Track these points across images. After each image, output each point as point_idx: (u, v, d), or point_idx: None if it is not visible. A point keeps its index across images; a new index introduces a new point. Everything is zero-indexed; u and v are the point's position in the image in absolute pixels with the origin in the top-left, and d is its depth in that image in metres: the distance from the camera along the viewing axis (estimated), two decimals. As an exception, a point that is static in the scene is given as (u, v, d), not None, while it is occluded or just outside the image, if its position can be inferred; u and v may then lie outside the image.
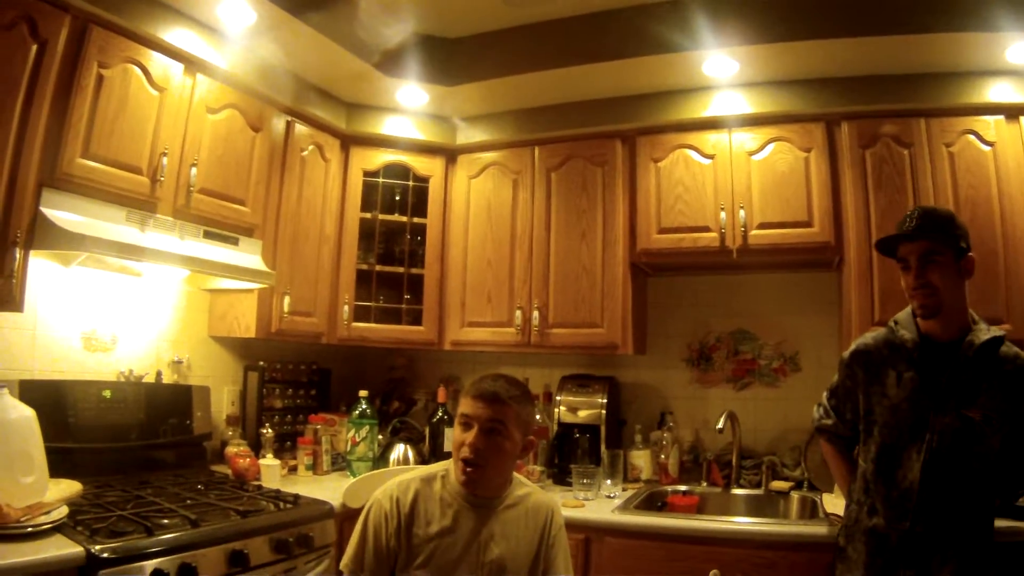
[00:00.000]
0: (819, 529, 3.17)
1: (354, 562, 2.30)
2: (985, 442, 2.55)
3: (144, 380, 3.71)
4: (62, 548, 2.37)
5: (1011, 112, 3.68)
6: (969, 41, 3.49)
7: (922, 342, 2.68)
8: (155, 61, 3.34)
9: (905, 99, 3.81)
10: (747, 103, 4.10)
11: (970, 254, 2.65)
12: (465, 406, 2.36)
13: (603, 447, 4.25)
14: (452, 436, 2.43)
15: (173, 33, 3.40)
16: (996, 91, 3.71)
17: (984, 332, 2.62)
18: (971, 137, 3.69)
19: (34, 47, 2.86)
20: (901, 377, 2.68)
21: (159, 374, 3.83)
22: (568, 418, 4.43)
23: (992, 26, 3.38)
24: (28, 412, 2.63)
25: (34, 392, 3.04)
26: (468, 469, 2.31)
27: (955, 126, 3.72)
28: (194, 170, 3.51)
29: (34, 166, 2.85)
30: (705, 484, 4.22)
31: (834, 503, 3.40)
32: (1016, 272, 3.55)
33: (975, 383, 2.58)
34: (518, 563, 2.38)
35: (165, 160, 3.35)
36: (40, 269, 3.26)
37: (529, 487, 2.55)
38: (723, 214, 4.05)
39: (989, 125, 3.68)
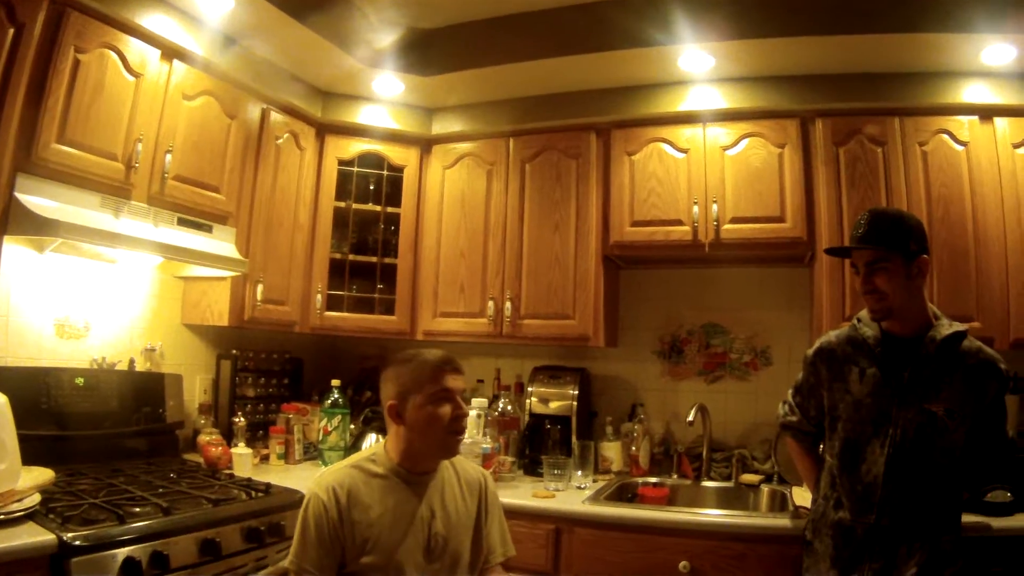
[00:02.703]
0: (788, 522, 3.20)
1: (299, 558, 2.27)
2: (948, 436, 2.58)
3: (117, 368, 3.70)
4: (34, 535, 2.37)
5: (985, 113, 3.72)
6: (945, 42, 3.53)
7: (884, 338, 2.72)
8: (132, 47, 3.32)
9: (880, 98, 3.85)
10: (722, 98, 4.12)
11: (923, 256, 2.67)
12: (445, 380, 2.39)
13: (574, 438, 4.26)
14: (429, 414, 2.38)
15: (150, 19, 3.38)
16: (971, 92, 3.76)
17: (946, 327, 2.66)
18: (945, 137, 3.73)
19: (11, 31, 2.83)
20: (864, 373, 2.72)
21: (132, 362, 3.81)
22: (539, 409, 4.44)
23: (968, 27, 3.42)
24: (1, 399, 2.61)
25: (6, 379, 3.02)
26: (460, 437, 2.42)
27: (929, 125, 3.76)
28: (169, 157, 3.49)
29: (9, 151, 2.83)
30: (675, 476, 4.25)
31: (803, 496, 3.42)
32: (987, 271, 3.60)
33: (937, 378, 2.62)
34: (460, 534, 2.43)
35: (140, 146, 3.33)
36: (14, 255, 3.25)
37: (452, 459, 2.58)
38: (696, 208, 4.07)
39: (963, 125, 3.73)
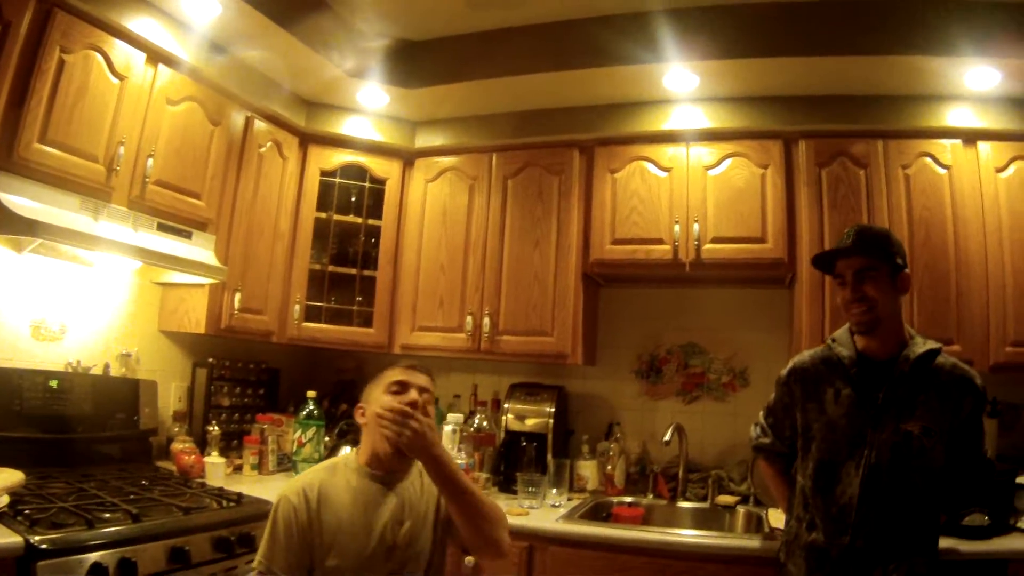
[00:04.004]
0: (763, 544, 3.19)
1: (267, 560, 2.26)
2: (926, 455, 2.58)
3: (92, 372, 3.66)
4: (1, 537, 2.33)
5: (968, 137, 3.77)
6: (929, 65, 3.57)
7: (859, 359, 2.72)
8: (117, 49, 3.30)
9: (863, 120, 3.89)
10: (706, 118, 4.15)
11: (905, 271, 2.69)
12: (397, 374, 2.45)
13: (550, 456, 4.25)
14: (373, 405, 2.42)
15: (137, 22, 3.37)
16: (955, 115, 3.81)
17: (920, 346, 2.66)
18: (928, 160, 3.78)
19: (-3, 29, 2.82)
20: (839, 394, 2.71)
21: (107, 366, 3.77)
22: (516, 426, 4.42)
23: (953, 51, 3.46)
24: (-27, 399, 2.58)
25: (-21, 378, 2.99)
26: (402, 426, 2.29)
27: (912, 148, 3.80)
28: (151, 161, 3.47)
29: (-10, 150, 2.81)
30: (651, 496, 4.23)
31: (779, 518, 3.40)
32: (967, 293, 3.63)
33: (912, 396, 2.61)
34: (425, 534, 2.42)
35: (122, 150, 3.31)
36: (-9, 255, 3.22)
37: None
38: (677, 227, 4.08)
39: (946, 149, 3.77)
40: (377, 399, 2.42)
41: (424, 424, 2.25)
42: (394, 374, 2.46)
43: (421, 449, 2.25)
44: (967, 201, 3.71)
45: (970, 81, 3.65)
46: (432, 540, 2.43)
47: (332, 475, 2.42)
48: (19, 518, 2.51)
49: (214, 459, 3.82)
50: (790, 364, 2.94)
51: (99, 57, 3.23)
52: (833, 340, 2.84)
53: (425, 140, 4.78)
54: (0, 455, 2.74)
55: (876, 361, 2.69)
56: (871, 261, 2.65)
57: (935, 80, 3.69)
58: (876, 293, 2.64)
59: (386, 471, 2.42)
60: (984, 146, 3.75)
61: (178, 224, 3.66)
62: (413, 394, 2.38)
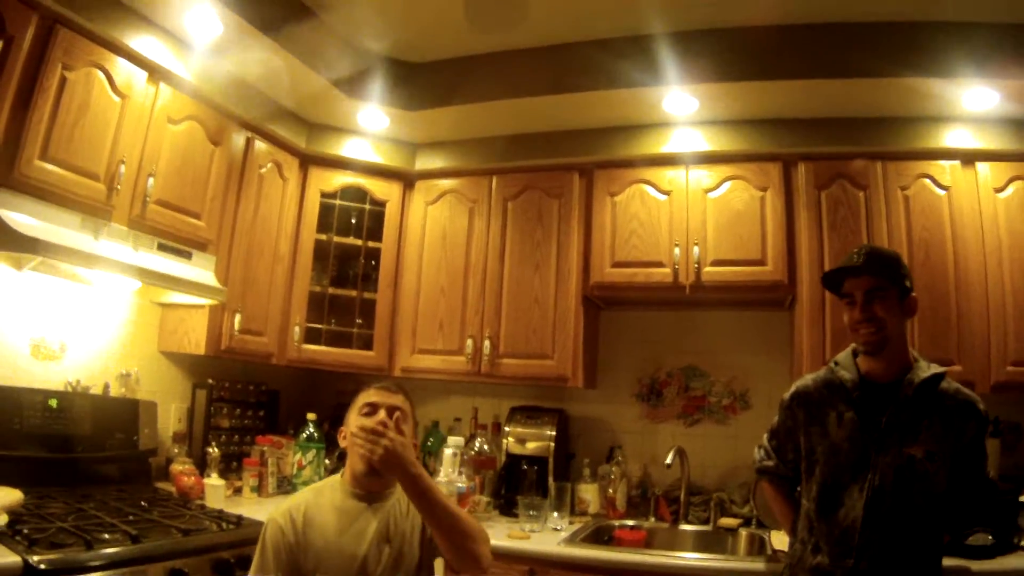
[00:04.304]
0: (768, 566, 3.17)
1: None
2: (929, 479, 2.56)
3: (91, 391, 3.64)
4: (-1, 556, 2.31)
5: (967, 158, 3.78)
6: (927, 86, 3.59)
7: (862, 382, 2.70)
8: (119, 67, 3.31)
9: (862, 142, 3.91)
10: (705, 140, 4.17)
11: (913, 295, 2.68)
12: (368, 396, 2.50)
13: (551, 479, 4.23)
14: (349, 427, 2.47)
15: (139, 40, 3.38)
16: (953, 136, 3.82)
17: (924, 370, 2.64)
18: (927, 181, 3.79)
19: None
20: (842, 417, 2.69)
21: (107, 386, 3.75)
22: (516, 449, 4.40)
23: (950, 72, 3.48)
24: (-28, 417, 2.57)
25: (-22, 397, 2.97)
26: (372, 446, 2.29)
27: (911, 170, 3.82)
28: (151, 180, 3.47)
29: (-9, 166, 2.81)
30: (653, 519, 4.21)
31: (782, 540, 3.38)
32: (967, 315, 3.63)
33: (916, 420, 2.59)
34: (411, 553, 2.42)
35: (123, 168, 3.31)
36: (-9, 272, 3.21)
37: None
38: (677, 250, 4.09)
39: (945, 170, 3.79)
40: (353, 421, 2.46)
41: (396, 442, 2.25)
42: (367, 396, 2.51)
43: (395, 467, 2.25)
44: (967, 221, 3.72)
45: (968, 102, 3.66)
46: (419, 559, 2.43)
47: (318, 497, 2.46)
48: (17, 537, 2.49)
49: (214, 481, 3.80)
50: (793, 387, 2.92)
51: (101, 74, 3.23)
52: (836, 363, 2.81)
53: (425, 162, 4.79)
54: (-1, 474, 2.71)
55: (879, 384, 2.68)
56: (881, 282, 2.64)
57: (933, 101, 3.71)
58: (885, 314, 2.62)
59: (368, 491, 2.44)
60: (983, 167, 3.76)
61: (178, 244, 3.66)
62: (381, 414, 2.41)
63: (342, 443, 2.51)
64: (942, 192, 3.77)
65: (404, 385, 2.63)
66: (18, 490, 2.78)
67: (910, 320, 2.74)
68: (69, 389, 3.55)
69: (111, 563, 2.53)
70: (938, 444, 2.57)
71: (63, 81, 3.06)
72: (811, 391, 2.83)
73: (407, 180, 4.81)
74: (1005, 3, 3.40)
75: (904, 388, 2.62)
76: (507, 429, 4.48)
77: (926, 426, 2.59)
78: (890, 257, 2.73)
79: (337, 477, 2.52)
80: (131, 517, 3.00)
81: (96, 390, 3.68)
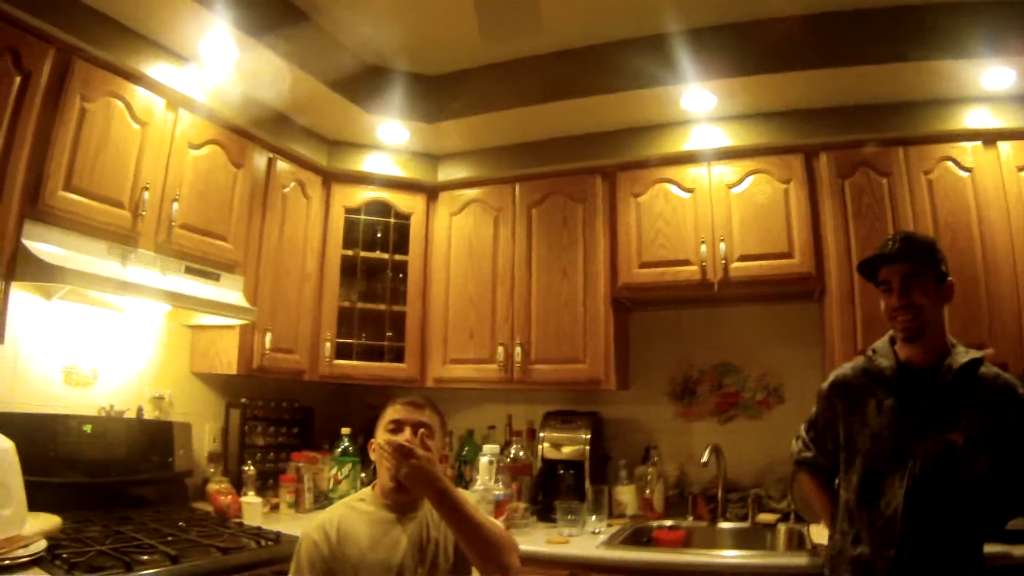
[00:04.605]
0: (806, 560, 3.15)
1: None
2: (969, 466, 2.52)
3: (125, 416, 3.67)
4: (40, 582, 2.33)
5: (988, 138, 3.73)
6: (945, 68, 3.56)
7: (900, 369, 2.67)
8: (138, 95, 3.36)
9: (883, 128, 3.87)
10: (725, 136, 4.16)
11: (950, 279, 2.66)
12: (394, 413, 2.51)
13: (587, 483, 4.22)
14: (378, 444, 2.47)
15: (156, 68, 3.43)
16: (973, 117, 3.78)
17: (963, 355, 2.61)
18: (949, 164, 3.74)
19: (17, 79, 2.87)
20: (881, 405, 2.66)
21: (140, 410, 3.78)
22: (552, 454, 4.40)
23: (967, 53, 3.46)
24: (6, 444, 2.60)
25: (14, 425, 2.97)
26: (400, 464, 2.31)
27: (933, 153, 3.78)
28: (176, 205, 3.51)
29: (16, 197, 2.85)
30: (691, 518, 4.19)
31: (821, 534, 3.35)
32: (997, 296, 3.58)
33: (956, 407, 2.56)
34: (447, 562, 2.43)
35: (147, 194, 3.34)
36: (22, 302, 3.25)
37: None
38: (704, 247, 4.07)
39: (967, 151, 3.74)
40: (381, 436, 2.48)
41: (422, 459, 2.26)
42: (393, 412, 2.52)
43: (421, 484, 2.27)
44: (991, 202, 3.66)
45: (986, 82, 3.63)
46: (453, 566, 2.44)
47: (350, 510, 2.48)
48: (57, 562, 2.51)
49: (251, 499, 3.82)
50: (831, 377, 2.89)
51: (120, 104, 3.28)
52: (873, 351, 2.78)
53: (447, 173, 4.81)
54: (36, 500, 2.72)
55: (918, 370, 2.64)
56: (917, 267, 2.61)
57: (951, 83, 3.68)
58: (923, 299, 2.59)
59: (399, 503, 2.45)
60: (1004, 146, 3.70)
61: (206, 267, 3.71)
62: (407, 432, 2.43)
63: (372, 456, 2.52)
64: (965, 174, 3.72)
65: (431, 397, 2.65)
66: (56, 516, 2.82)
67: (947, 305, 2.71)
68: (103, 414, 3.60)
69: (151, 584, 2.55)
70: (978, 430, 2.54)
71: (83, 112, 3.11)
72: (850, 380, 2.80)
73: (430, 192, 4.83)
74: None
75: (944, 373, 2.58)
76: (542, 435, 4.46)
77: (966, 412, 2.55)
78: (926, 242, 2.70)
79: (368, 490, 2.55)
80: (169, 538, 3.02)
81: (130, 414, 3.71)
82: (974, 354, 2.62)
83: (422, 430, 2.44)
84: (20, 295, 3.17)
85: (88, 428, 3.42)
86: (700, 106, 4.05)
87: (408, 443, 2.31)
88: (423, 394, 2.64)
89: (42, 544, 2.58)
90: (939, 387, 2.58)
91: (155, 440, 3.75)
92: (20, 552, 2.46)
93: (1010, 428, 2.57)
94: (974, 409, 2.56)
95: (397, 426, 2.46)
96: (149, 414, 3.84)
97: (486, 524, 2.33)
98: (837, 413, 2.81)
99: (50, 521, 2.76)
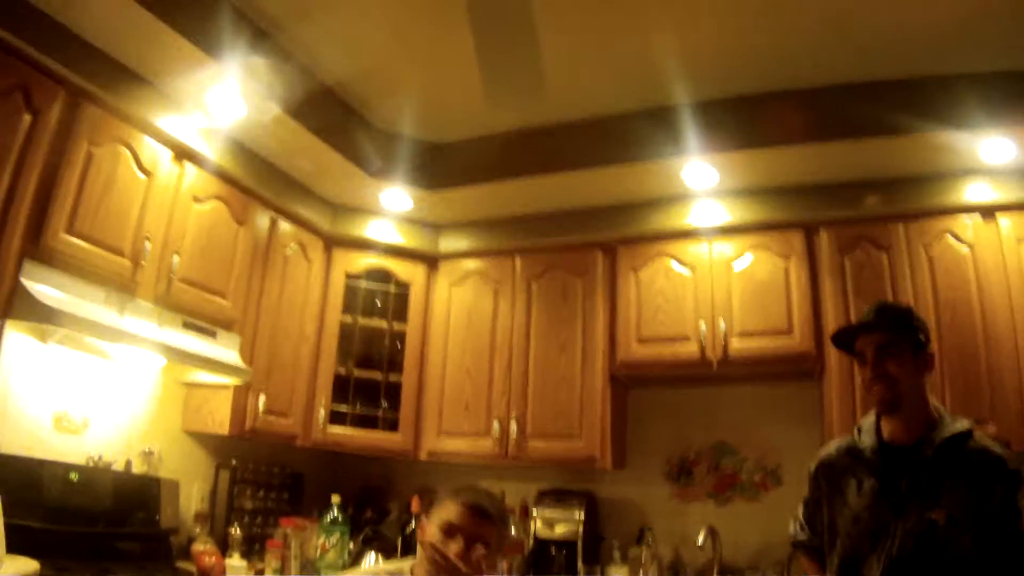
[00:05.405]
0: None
1: None
2: (951, 545, 2.43)
3: (113, 467, 3.62)
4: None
5: (987, 211, 3.76)
6: (943, 141, 3.59)
7: (882, 447, 2.61)
8: (145, 145, 3.39)
9: (882, 203, 3.91)
10: (726, 211, 4.20)
11: (929, 350, 2.61)
12: (453, 514, 2.20)
13: (580, 563, 4.16)
14: (427, 537, 2.22)
15: (164, 119, 3.47)
16: (972, 191, 3.81)
17: (948, 428, 2.53)
18: (949, 238, 3.76)
19: (27, 117, 2.91)
20: (862, 485, 2.58)
21: (129, 463, 3.72)
22: (545, 533, 4.34)
23: (965, 124, 3.49)
24: (-12, 485, 2.57)
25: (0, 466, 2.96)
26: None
27: (933, 227, 3.80)
28: (176, 258, 3.52)
29: (18, 236, 2.87)
30: (685, 601, 4.10)
31: (819, 615, 3.31)
32: (998, 371, 3.54)
33: (937, 483, 2.46)
34: None
35: (148, 245, 3.36)
36: (16, 343, 3.23)
37: None
38: (703, 324, 4.07)
39: (967, 225, 3.76)
40: (432, 530, 2.21)
41: None
42: (451, 510, 2.21)
43: None
44: (991, 276, 3.66)
45: (985, 154, 3.66)
46: None
47: None
48: (33, 607, 2.46)
49: (236, 562, 3.77)
50: (817, 456, 2.83)
51: (127, 152, 3.31)
52: (858, 429, 2.73)
53: (449, 244, 4.85)
54: (17, 544, 2.68)
55: (901, 448, 2.60)
56: (892, 336, 2.56)
57: (951, 155, 3.71)
58: (897, 369, 2.52)
59: None
60: (1004, 219, 3.72)
61: (203, 322, 3.70)
62: (458, 545, 2.15)
63: (420, 538, 2.27)
64: (965, 249, 3.74)
65: (498, 500, 2.37)
66: (35, 561, 2.75)
67: (939, 380, 2.67)
68: (91, 464, 3.54)
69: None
70: (961, 507, 2.45)
71: (89, 156, 3.14)
72: (833, 460, 2.73)
73: (431, 261, 4.86)
74: (1016, 52, 3.41)
75: (923, 449, 2.53)
76: (535, 513, 4.41)
77: (948, 488, 2.46)
78: (901, 310, 2.65)
79: (412, 565, 2.33)
80: (149, 595, 2.97)
81: (118, 466, 3.65)
82: (961, 427, 2.54)
83: (479, 549, 2.16)
84: (15, 335, 3.16)
85: (75, 476, 3.36)
86: (701, 181, 4.09)
87: (458, 559, 2.11)
88: (490, 494, 2.32)
89: (19, 587, 2.54)
90: (919, 463, 2.51)
91: (142, 495, 3.69)
92: (-6, 592, 2.42)
93: (999, 505, 2.49)
94: (958, 485, 2.46)
95: (452, 530, 2.17)
96: (137, 468, 3.78)
97: None
98: (822, 494, 2.74)
99: (28, 565, 2.69)
